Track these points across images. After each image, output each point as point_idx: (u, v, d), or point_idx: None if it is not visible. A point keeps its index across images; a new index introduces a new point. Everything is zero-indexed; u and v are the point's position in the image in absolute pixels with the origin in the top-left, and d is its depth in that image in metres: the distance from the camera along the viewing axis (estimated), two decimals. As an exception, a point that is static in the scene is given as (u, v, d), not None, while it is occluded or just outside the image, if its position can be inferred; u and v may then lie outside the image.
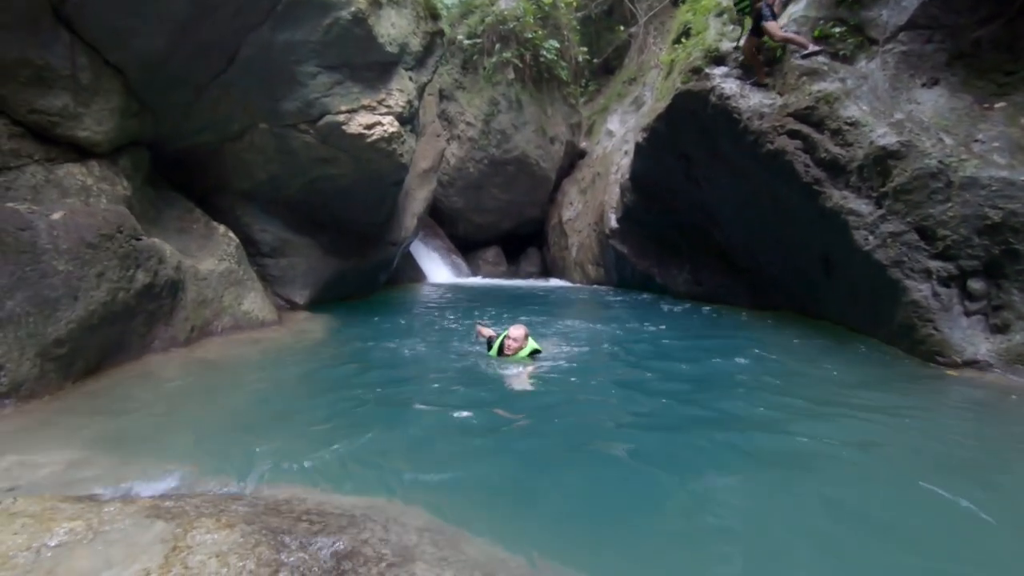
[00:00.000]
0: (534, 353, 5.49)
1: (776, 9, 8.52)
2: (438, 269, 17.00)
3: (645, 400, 4.56)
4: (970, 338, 5.40)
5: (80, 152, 5.85)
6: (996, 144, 6.00)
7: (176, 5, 5.99)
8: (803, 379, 5.13)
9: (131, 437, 3.54)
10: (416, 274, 15.90)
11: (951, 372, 5.25)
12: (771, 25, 7.86)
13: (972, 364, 5.26)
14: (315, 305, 9.39)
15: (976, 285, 5.44)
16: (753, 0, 7.99)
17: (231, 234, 7.55)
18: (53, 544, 1.98)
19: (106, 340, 4.94)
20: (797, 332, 7.64)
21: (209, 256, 7.00)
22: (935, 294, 5.69)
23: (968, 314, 5.50)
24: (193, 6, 6.08)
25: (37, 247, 4.36)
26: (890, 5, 7.34)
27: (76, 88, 5.58)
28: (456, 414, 4.05)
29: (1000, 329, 5.22)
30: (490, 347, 5.67)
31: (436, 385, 4.79)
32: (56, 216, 4.67)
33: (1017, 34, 6.45)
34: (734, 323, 8.60)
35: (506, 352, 5.39)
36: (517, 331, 5.46)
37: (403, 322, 8.64)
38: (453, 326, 8.06)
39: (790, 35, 7.93)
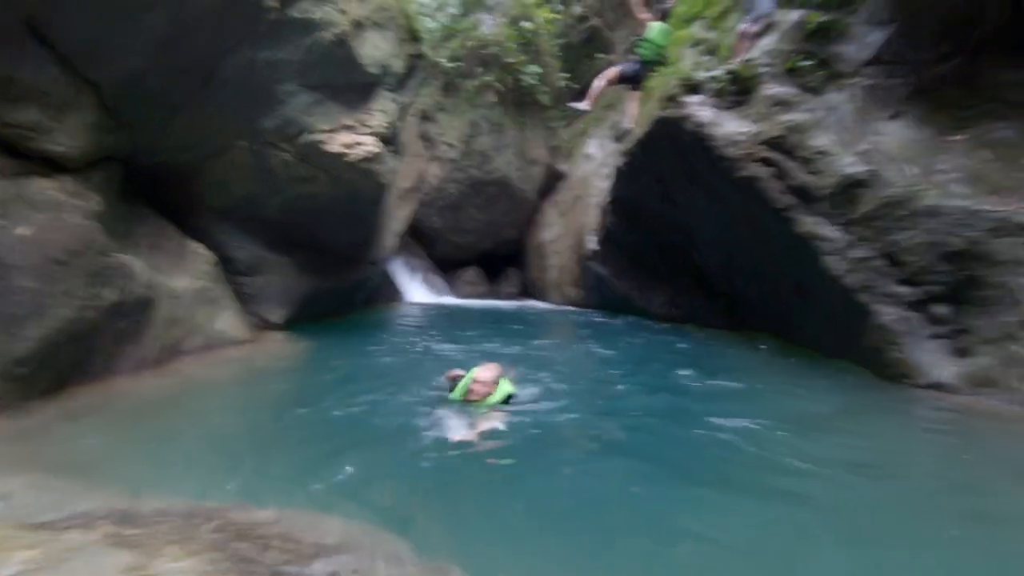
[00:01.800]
0: (508, 399, 4.66)
1: (750, 43, 8.86)
2: (417, 289, 16.91)
3: (620, 430, 4.49)
4: (936, 361, 5.56)
5: (52, 166, 5.73)
6: (956, 175, 6.26)
7: (156, 22, 5.96)
8: (775, 403, 5.19)
9: (95, 461, 3.42)
10: (394, 293, 15.78)
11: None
12: (602, 82, 8.92)
13: (938, 387, 5.40)
14: (291, 324, 9.24)
15: (940, 310, 5.62)
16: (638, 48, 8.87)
17: (206, 251, 7.43)
18: (9, 575, 1.88)
19: (71, 359, 4.79)
20: (772, 355, 7.77)
21: (183, 274, 6.87)
22: (902, 318, 5.86)
23: (933, 338, 5.67)
24: (174, 23, 6.05)
25: (4, 263, 4.24)
26: (856, 41, 7.68)
27: (49, 103, 5.49)
28: (430, 445, 3.94)
29: (964, 353, 5.39)
30: (453, 389, 4.78)
31: (410, 416, 4.54)
32: (24, 232, 4.55)
33: (975, 71, 6.78)
34: (710, 346, 8.71)
35: (471, 397, 4.55)
36: (486, 372, 4.60)
37: (378, 345, 8.49)
38: (427, 351, 7.95)
39: (596, 95, 8.95)
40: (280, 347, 7.54)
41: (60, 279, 4.57)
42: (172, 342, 6.20)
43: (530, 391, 5.30)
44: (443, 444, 3.93)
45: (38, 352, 4.32)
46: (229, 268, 8.62)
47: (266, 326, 8.94)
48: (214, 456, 3.59)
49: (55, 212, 5.38)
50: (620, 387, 5.89)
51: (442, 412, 4.52)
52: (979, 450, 4.08)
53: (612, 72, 8.50)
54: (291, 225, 9.03)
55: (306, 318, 9.80)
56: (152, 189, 7.78)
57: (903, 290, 5.90)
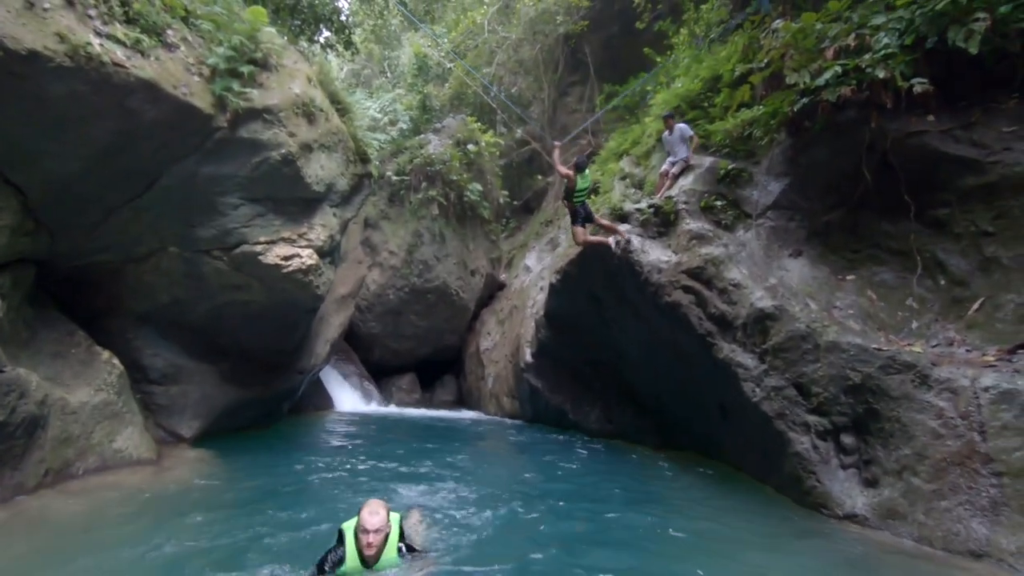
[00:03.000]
0: (402, 541, 4.10)
1: (671, 181, 9.86)
2: (348, 396, 16.23)
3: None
4: (847, 491, 5.77)
5: (-47, 269, 5.39)
6: (851, 311, 6.93)
7: (100, 132, 5.99)
8: (695, 535, 5.13)
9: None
10: (324, 401, 15.06)
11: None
12: (577, 230, 9.72)
13: (852, 518, 5.57)
14: (204, 438, 8.55)
15: (847, 440, 5.94)
16: (572, 198, 9.65)
17: (115, 360, 6.95)
18: None
19: (-69, 490, 4.22)
20: (696, 478, 7.82)
21: (85, 385, 6.36)
22: (815, 447, 6.14)
23: (844, 467, 5.93)
24: (119, 134, 6.10)
25: None
26: (759, 187, 8.68)
27: (-35, 205, 5.28)
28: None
29: (871, 483, 5.63)
30: (342, 559, 3.90)
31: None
32: (-97, 344, 4.16)
33: (858, 221, 7.75)
34: (638, 466, 8.72)
35: (367, 554, 3.83)
36: (373, 518, 3.84)
37: (293, 467, 7.62)
38: (346, 475, 7.29)
39: (592, 240, 9.72)
40: (186, 469, 6.89)
41: (-64, 399, 4.13)
42: (61, 465, 5.59)
43: (448, 539, 4.90)
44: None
45: None
46: (141, 376, 8.06)
47: (176, 441, 8.25)
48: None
49: (-54, 321, 4.99)
50: (540, 533, 5.45)
51: None
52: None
53: (576, 228, 9.80)
54: (217, 332, 8.67)
55: (224, 431, 9.13)
56: (66, 290, 7.38)
57: (814, 419, 6.22)
